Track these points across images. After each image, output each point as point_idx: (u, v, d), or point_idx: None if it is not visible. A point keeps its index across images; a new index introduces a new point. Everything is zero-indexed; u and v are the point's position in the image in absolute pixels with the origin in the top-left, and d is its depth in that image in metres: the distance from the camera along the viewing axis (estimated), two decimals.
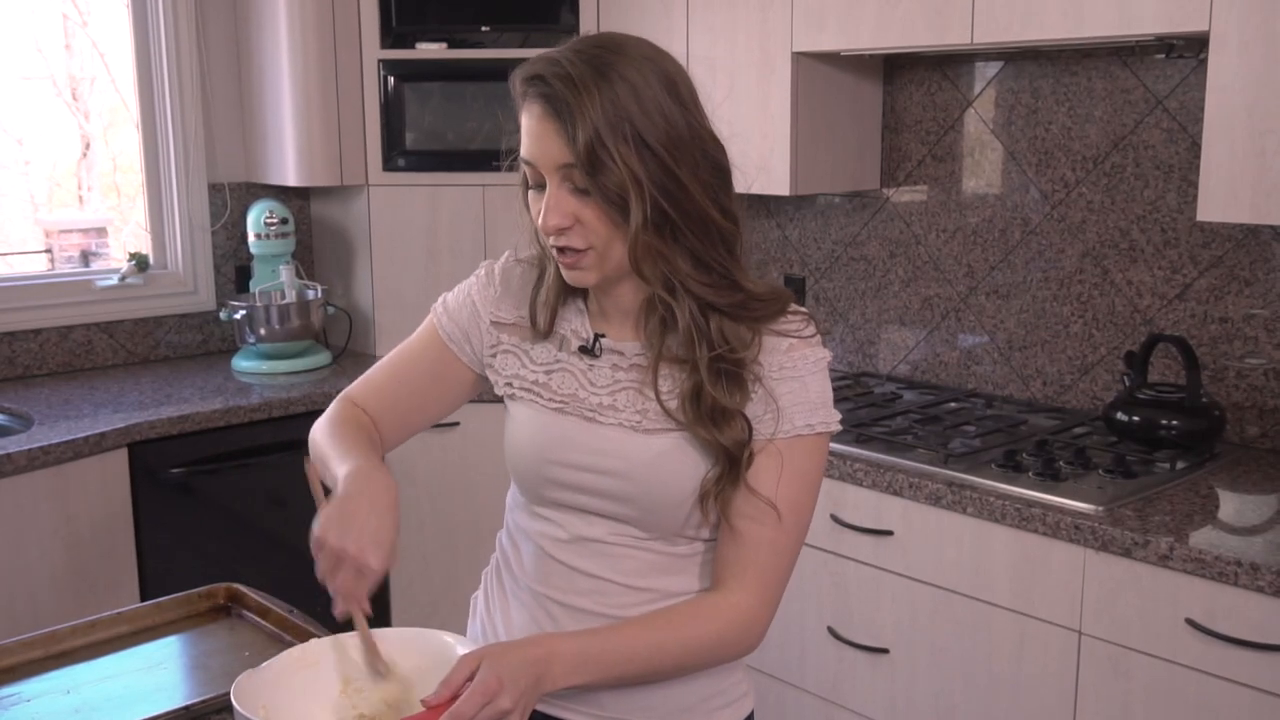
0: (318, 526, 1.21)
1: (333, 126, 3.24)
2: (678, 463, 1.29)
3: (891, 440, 2.46)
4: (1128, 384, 2.43)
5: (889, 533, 2.34)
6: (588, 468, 1.32)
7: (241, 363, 3.27)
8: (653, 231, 1.22)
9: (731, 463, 1.27)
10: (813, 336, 1.32)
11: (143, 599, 2.64)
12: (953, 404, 2.77)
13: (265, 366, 3.24)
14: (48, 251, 3.67)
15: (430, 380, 1.46)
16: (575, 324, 1.37)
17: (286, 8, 3.18)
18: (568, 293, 1.37)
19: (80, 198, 3.83)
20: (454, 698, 1.12)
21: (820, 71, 2.79)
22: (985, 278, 2.85)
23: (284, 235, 3.32)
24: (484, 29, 3.26)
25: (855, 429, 2.52)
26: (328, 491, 1.28)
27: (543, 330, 1.37)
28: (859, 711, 2.45)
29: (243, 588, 1.73)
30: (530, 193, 1.29)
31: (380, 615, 3.18)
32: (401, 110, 3.27)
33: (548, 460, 1.34)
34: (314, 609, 1.61)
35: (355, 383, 1.49)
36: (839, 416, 1.34)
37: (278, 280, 3.29)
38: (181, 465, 2.78)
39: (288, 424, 2.91)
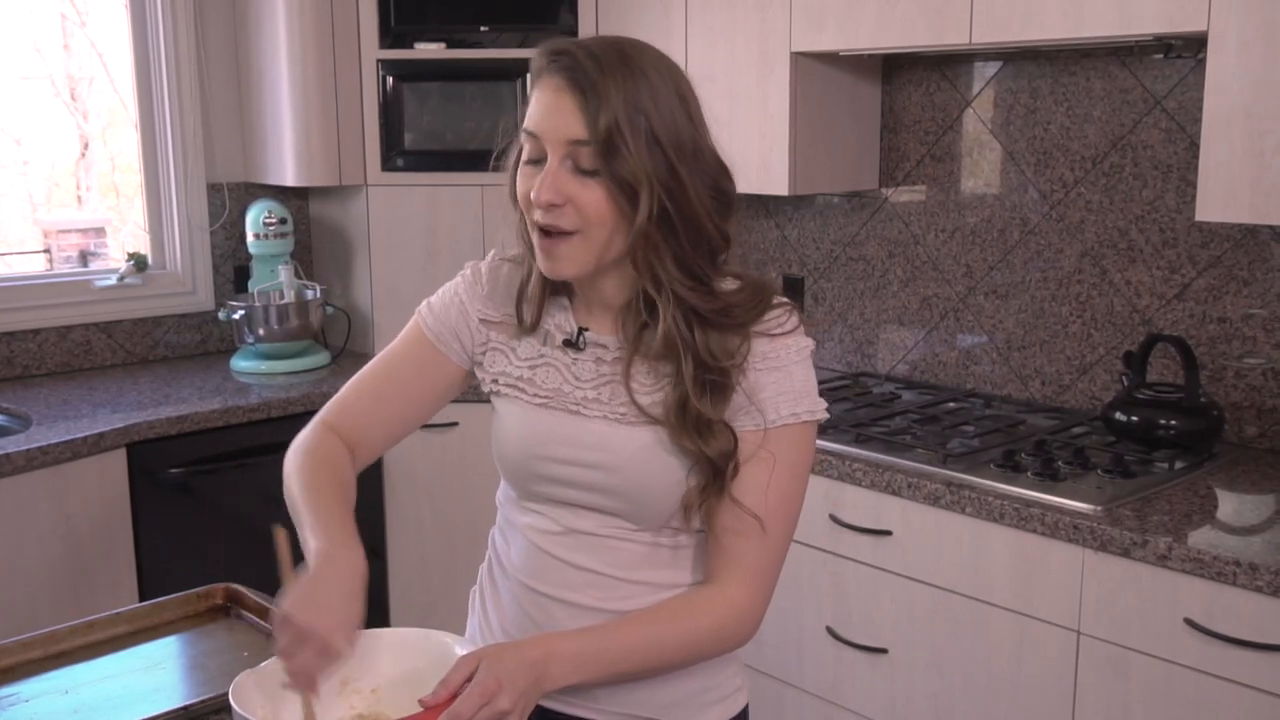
0: (285, 604, 1.17)
1: (331, 126, 3.24)
2: (663, 455, 1.29)
3: (890, 440, 2.46)
4: (1126, 384, 2.43)
5: (888, 533, 2.34)
6: (574, 461, 1.32)
7: (240, 363, 3.27)
8: (654, 228, 1.23)
9: (716, 474, 1.27)
10: (795, 328, 1.32)
11: (141, 599, 2.64)
12: (951, 404, 2.77)
13: (264, 366, 3.24)
14: (46, 251, 3.67)
15: (416, 383, 1.44)
16: (559, 319, 1.38)
17: (285, 7, 3.18)
18: (553, 288, 1.37)
19: (79, 198, 3.83)
20: (452, 698, 1.12)
21: (819, 71, 2.79)
22: (984, 278, 2.85)
23: (283, 235, 3.32)
24: (483, 29, 3.26)
25: (854, 429, 2.52)
26: (297, 559, 1.25)
27: (529, 325, 1.37)
28: (858, 711, 2.45)
29: (241, 588, 1.73)
30: (524, 168, 1.28)
31: (378, 615, 3.18)
32: (400, 110, 3.27)
33: (534, 455, 1.35)
34: None
35: (330, 403, 1.45)
36: (825, 405, 1.34)
37: (276, 280, 3.29)
38: (180, 465, 2.78)
39: (286, 424, 2.90)
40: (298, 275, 3.36)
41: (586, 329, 1.36)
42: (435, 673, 1.16)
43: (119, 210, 3.74)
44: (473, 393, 1.50)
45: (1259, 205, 2.03)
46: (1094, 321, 2.66)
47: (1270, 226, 2.36)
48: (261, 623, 1.66)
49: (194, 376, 3.18)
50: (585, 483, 1.33)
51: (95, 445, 2.60)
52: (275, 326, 3.23)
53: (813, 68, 2.77)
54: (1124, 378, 2.44)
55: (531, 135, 1.25)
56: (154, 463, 2.73)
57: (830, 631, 2.47)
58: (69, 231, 3.78)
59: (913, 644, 2.33)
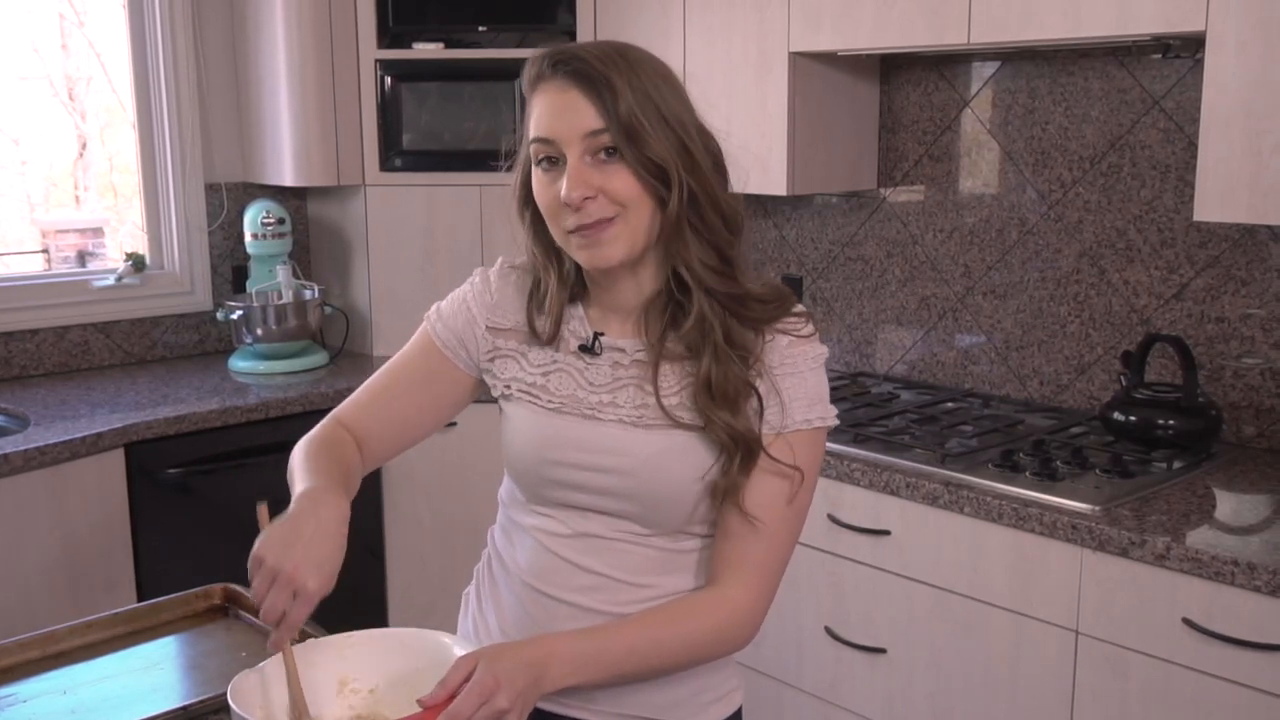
0: (257, 544, 1.19)
1: (330, 126, 3.24)
2: (679, 459, 1.30)
3: (889, 440, 2.46)
4: (1125, 384, 2.43)
5: (886, 533, 2.34)
6: (588, 466, 1.32)
7: (238, 363, 3.27)
8: (689, 209, 1.27)
9: (745, 449, 1.28)
10: (811, 335, 1.34)
11: (140, 599, 2.64)
12: (950, 404, 2.77)
13: (262, 367, 3.23)
14: (44, 251, 3.66)
15: (425, 389, 1.44)
16: (574, 325, 1.38)
17: (283, 7, 3.18)
18: (567, 299, 1.38)
19: (77, 198, 3.83)
20: (450, 698, 1.12)
21: (817, 71, 2.79)
22: (982, 277, 2.85)
23: (281, 235, 3.32)
24: (481, 29, 3.26)
25: (852, 429, 2.52)
26: None
27: (548, 334, 1.37)
28: (856, 711, 2.45)
29: (240, 588, 1.72)
30: (540, 175, 1.28)
31: (377, 614, 3.18)
32: (399, 110, 3.27)
33: (547, 460, 1.35)
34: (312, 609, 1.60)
35: (344, 403, 1.46)
36: (835, 412, 1.36)
37: (275, 280, 3.29)
38: (178, 465, 2.78)
39: (285, 424, 2.91)
40: (296, 275, 3.35)
41: (603, 333, 1.36)
42: (434, 673, 1.16)
43: (117, 210, 3.73)
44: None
45: (1257, 205, 2.04)
46: (1092, 321, 2.66)
47: (1268, 226, 2.36)
48: (260, 623, 1.65)
49: (192, 377, 3.18)
50: (598, 487, 1.33)
51: (93, 445, 2.59)
52: (273, 326, 3.23)
53: (811, 68, 2.77)
54: (1122, 377, 2.44)
55: (544, 141, 1.26)
56: (152, 463, 2.73)
57: (829, 631, 2.47)
58: (67, 231, 3.78)
59: (911, 644, 2.33)
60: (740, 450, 1.28)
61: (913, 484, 2.27)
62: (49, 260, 3.60)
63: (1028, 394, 2.79)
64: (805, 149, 2.80)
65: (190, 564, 2.71)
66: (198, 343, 3.47)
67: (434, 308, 1.46)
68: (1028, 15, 2.28)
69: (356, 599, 3.17)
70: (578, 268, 1.35)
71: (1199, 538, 1.94)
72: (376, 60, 3.24)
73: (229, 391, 3.01)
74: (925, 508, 2.26)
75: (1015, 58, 2.72)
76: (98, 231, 3.81)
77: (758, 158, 2.80)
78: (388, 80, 3.25)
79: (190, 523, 2.81)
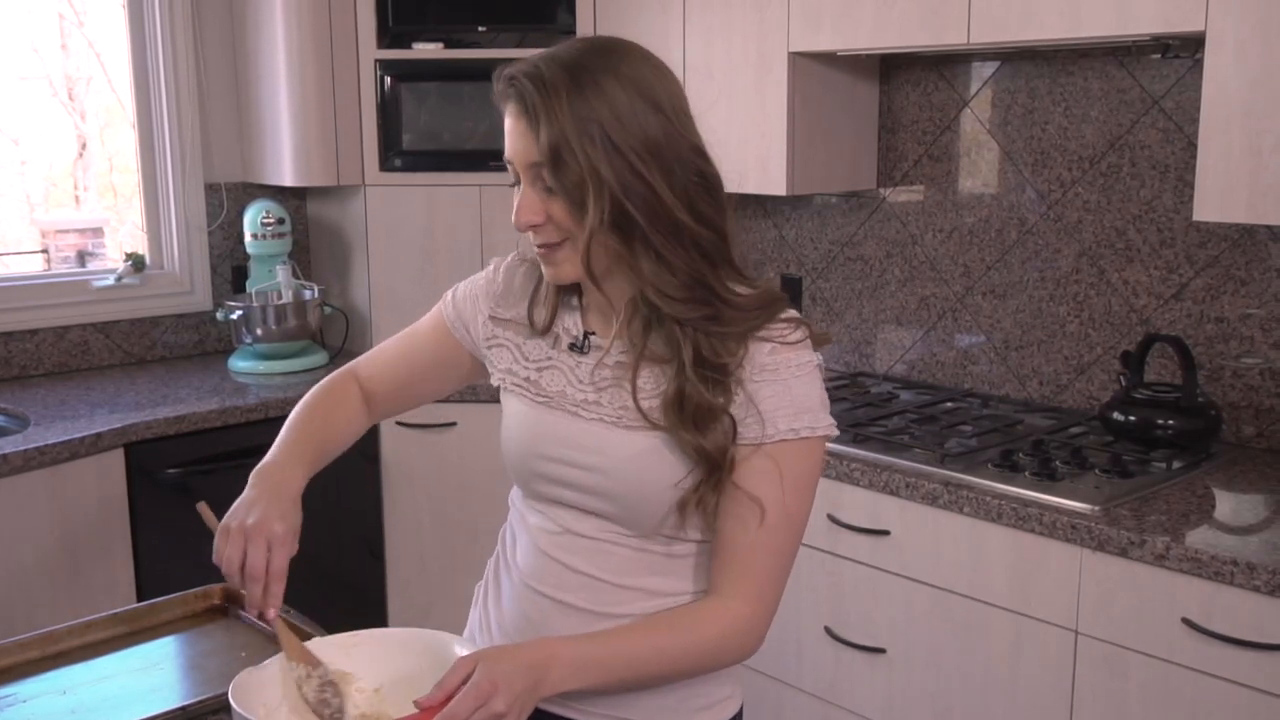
0: (220, 523, 1.30)
1: (329, 126, 3.24)
2: (657, 462, 1.29)
3: (888, 440, 2.46)
4: (1124, 384, 2.43)
5: (885, 533, 2.34)
6: (570, 462, 1.34)
7: (238, 363, 3.27)
8: (614, 234, 1.24)
9: (713, 467, 1.27)
10: (799, 341, 1.31)
11: (139, 599, 2.64)
12: (949, 404, 2.77)
13: (262, 367, 3.23)
14: (44, 251, 3.66)
15: (431, 360, 1.54)
16: (568, 322, 1.40)
17: (283, 7, 3.18)
18: (564, 291, 1.40)
19: (76, 198, 3.83)
20: (447, 699, 1.12)
21: (817, 71, 2.79)
22: (982, 277, 2.85)
23: (280, 235, 3.32)
24: (481, 29, 3.26)
25: (852, 429, 2.52)
26: None
27: (540, 327, 1.40)
28: (856, 711, 2.45)
29: (239, 589, 1.72)
30: (514, 190, 1.32)
31: (377, 614, 3.18)
32: (398, 110, 3.27)
33: (535, 454, 1.37)
34: (311, 609, 1.60)
35: (363, 356, 1.59)
36: (831, 422, 1.32)
37: (274, 280, 3.29)
38: (178, 465, 2.78)
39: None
40: (296, 275, 3.35)
41: (593, 332, 1.37)
42: (438, 673, 1.16)
43: (117, 210, 3.73)
44: (471, 393, 1.52)
45: (1256, 205, 2.04)
46: (1092, 321, 2.66)
47: (1268, 226, 2.36)
48: (260, 623, 1.65)
49: (192, 377, 3.18)
50: (580, 484, 1.34)
51: (93, 445, 2.59)
52: (273, 326, 3.23)
53: (810, 68, 2.77)
54: (1122, 377, 2.44)
55: (508, 161, 1.30)
56: (152, 463, 2.73)
57: (828, 631, 2.47)
58: (67, 231, 3.78)
59: (911, 644, 2.33)
60: (707, 468, 1.28)
61: (912, 484, 2.27)
62: (49, 260, 3.60)
63: (1027, 394, 2.79)
64: (805, 149, 2.80)
65: (190, 564, 2.70)
66: (197, 343, 3.47)
67: (453, 287, 1.53)
68: (1027, 15, 2.28)
69: (356, 599, 3.18)
70: None
71: (1198, 538, 1.94)
72: (376, 60, 3.24)
73: (229, 391, 3.01)
74: (925, 508, 2.26)
75: (1015, 58, 2.73)
76: (97, 231, 3.81)
77: (757, 158, 2.80)
78: (387, 80, 3.25)
79: (190, 523, 2.77)
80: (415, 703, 1.13)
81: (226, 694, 1.18)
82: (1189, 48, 2.34)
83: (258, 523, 1.29)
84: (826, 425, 1.31)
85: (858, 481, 2.36)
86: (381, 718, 1.24)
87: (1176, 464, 2.28)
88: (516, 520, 1.46)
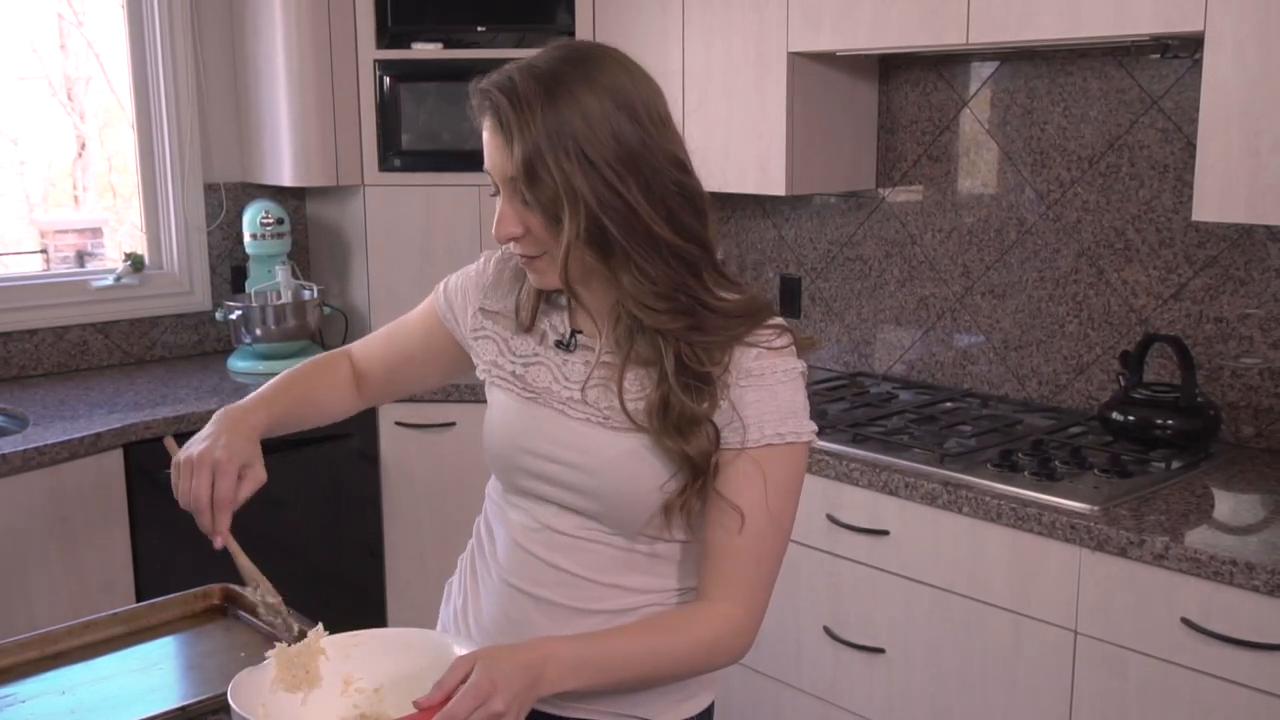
0: (179, 452, 1.35)
1: (328, 126, 3.24)
2: (642, 464, 1.30)
3: (887, 440, 2.46)
4: (1123, 384, 2.43)
5: (885, 533, 2.34)
6: (554, 458, 1.34)
7: (237, 363, 3.27)
8: (591, 247, 1.25)
9: (696, 473, 1.28)
10: (784, 348, 1.31)
11: (138, 599, 2.64)
12: (948, 404, 2.77)
13: (261, 367, 3.23)
14: (43, 252, 3.66)
15: (420, 348, 1.56)
16: (555, 320, 1.41)
17: (282, 7, 3.18)
18: (550, 290, 1.40)
19: (76, 198, 3.82)
20: (446, 699, 1.12)
21: (816, 71, 2.79)
22: (981, 277, 2.85)
23: (280, 235, 3.32)
24: (480, 29, 3.26)
25: (851, 429, 2.52)
26: None
27: (525, 324, 1.41)
28: (855, 711, 2.45)
29: (239, 588, 1.72)
30: (495, 199, 1.33)
31: (376, 613, 3.18)
32: (397, 110, 3.27)
33: (518, 448, 1.38)
34: (310, 609, 1.60)
35: (361, 339, 1.62)
36: (813, 427, 1.33)
37: (273, 280, 3.29)
38: None
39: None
40: (295, 275, 3.35)
41: (580, 331, 1.38)
42: (437, 673, 1.16)
43: (116, 210, 3.73)
44: (470, 393, 1.52)
45: (1255, 205, 2.04)
46: (1091, 321, 2.66)
47: (1267, 226, 2.36)
48: (259, 623, 1.65)
49: (191, 377, 3.18)
50: (563, 481, 1.34)
51: (92, 445, 2.59)
52: (272, 327, 3.23)
53: (810, 68, 2.77)
54: (1121, 377, 2.45)
55: (488, 172, 1.31)
56: (151, 463, 2.73)
57: (828, 631, 2.47)
58: (66, 232, 3.78)
59: (910, 644, 2.33)
60: (690, 472, 1.29)
61: (911, 484, 2.27)
62: (48, 260, 3.60)
63: (1026, 394, 2.79)
64: (804, 149, 2.80)
65: (189, 564, 2.70)
66: (197, 343, 3.47)
67: (447, 277, 1.55)
68: (1026, 15, 2.28)
69: (356, 599, 3.18)
70: None
71: (1197, 537, 1.94)
72: (375, 60, 3.24)
73: (228, 392, 3.01)
74: (924, 507, 2.26)
75: (1014, 58, 2.73)
76: (96, 232, 3.81)
77: (757, 158, 2.80)
78: (386, 80, 3.25)
79: (189, 523, 2.77)
80: (415, 703, 1.13)
81: (226, 694, 1.18)
82: (1188, 48, 2.34)
83: (201, 452, 1.33)
84: (809, 431, 1.33)
85: (857, 481, 2.36)
86: (381, 718, 1.25)
87: (1175, 464, 2.28)
88: (495, 514, 1.46)
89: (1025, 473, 2.24)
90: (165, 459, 2.86)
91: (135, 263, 3.30)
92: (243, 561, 1.38)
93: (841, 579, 2.44)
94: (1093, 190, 2.63)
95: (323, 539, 3.08)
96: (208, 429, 1.38)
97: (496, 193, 1.31)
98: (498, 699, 1.13)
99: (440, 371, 1.58)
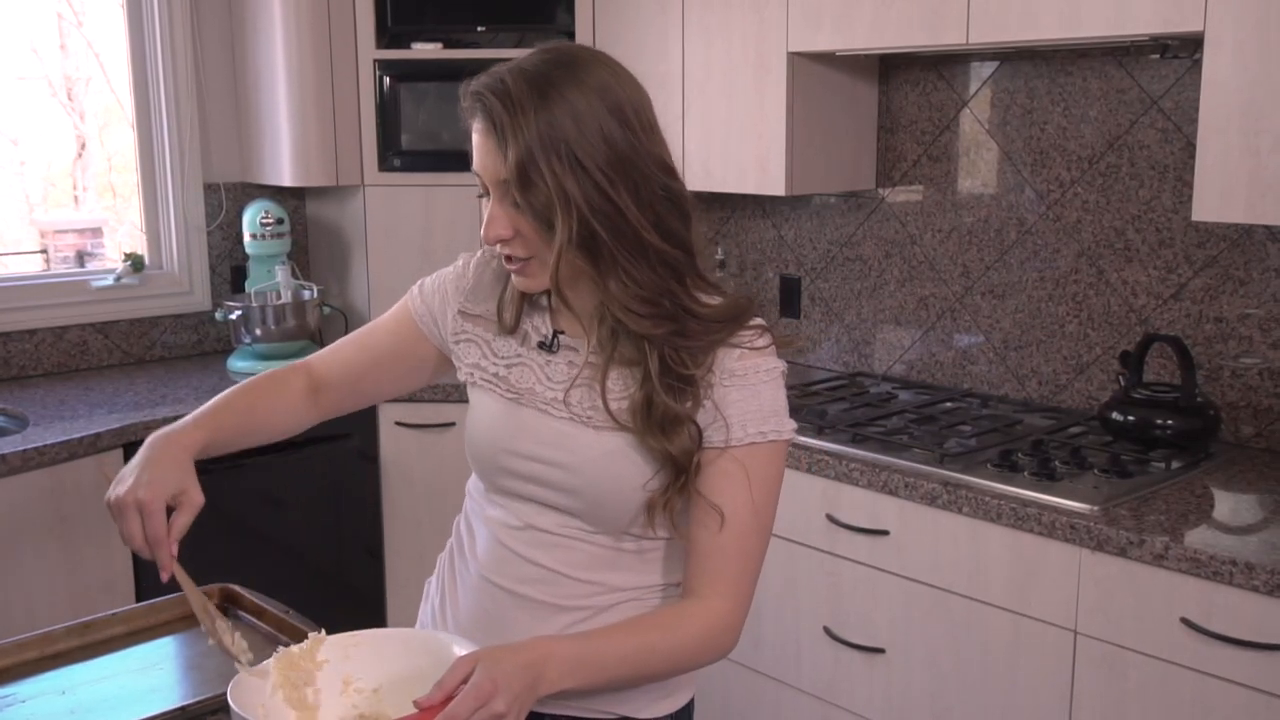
0: (109, 491, 1.29)
1: (328, 126, 3.24)
2: (625, 463, 1.31)
3: (887, 440, 2.46)
4: (1123, 384, 2.43)
5: (885, 532, 2.34)
6: (538, 458, 1.35)
7: (237, 363, 3.27)
8: (582, 252, 1.25)
9: (679, 471, 1.30)
10: (766, 347, 1.33)
11: (138, 599, 2.64)
12: (948, 404, 2.77)
13: (261, 367, 3.23)
14: (43, 252, 3.66)
15: (391, 352, 1.52)
16: (537, 320, 1.41)
17: (282, 7, 3.18)
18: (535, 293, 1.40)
19: (75, 198, 3.82)
20: (447, 700, 1.12)
21: (816, 72, 2.79)
22: (981, 277, 2.85)
23: (279, 235, 3.32)
24: (480, 29, 3.26)
25: (851, 429, 2.52)
26: None
27: (508, 326, 1.41)
28: (855, 711, 2.45)
29: (238, 588, 1.73)
30: (481, 200, 1.33)
31: (375, 613, 3.18)
32: (397, 110, 3.27)
33: (502, 449, 1.38)
34: (310, 609, 1.61)
35: (324, 349, 1.57)
36: (793, 425, 1.35)
37: (273, 280, 3.29)
38: None
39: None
40: (294, 275, 3.35)
41: (562, 332, 1.39)
42: (437, 673, 1.17)
43: (116, 210, 3.73)
44: (467, 394, 1.51)
45: (1255, 205, 2.04)
46: (1091, 321, 2.66)
47: (1266, 226, 2.36)
48: (260, 623, 1.66)
49: (191, 377, 3.18)
50: (547, 480, 1.35)
51: (92, 446, 2.59)
52: (272, 327, 3.23)
53: (809, 68, 2.77)
54: (1121, 377, 2.45)
55: (477, 174, 1.30)
56: None
57: (827, 631, 2.47)
58: (66, 232, 3.78)
59: (910, 644, 2.33)
60: (673, 471, 1.30)
61: (911, 484, 2.27)
62: (48, 260, 3.60)
63: (1026, 394, 2.79)
64: (804, 149, 2.80)
65: (188, 564, 2.71)
66: (196, 343, 3.47)
67: (420, 281, 1.53)
68: (1026, 15, 2.28)
69: (355, 598, 3.18)
70: None
71: (1197, 537, 1.94)
72: (375, 60, 3.24)
73: None
74: (924, 507, 2.26)
75: (1014, 58, 2.73)
76: (96, 232, 3.81)
77: (756, 158, 2.80)
78: (386, 80, 3.25)
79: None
80: (415, 703, 1.13)
81: (226, 694, 1.18)
82: (1188, 48, 2.34)
83: (121, 497, 1.27)
84: (790, 428, 1.34)
85: (857, 481, 2.36)
86: (380, 718, 1.25)
87: (1175, 464, 2.28)
88: (475, 512, 1.47)
89: (1025, 473, 2.24)
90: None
91: (135, 263, 3.30)
92: (193, 596, 1.34)
93: (841, 579, 2.44)
94: (1093, 190, 2.63)
95: (322, 539, 3.08)
96: (136, 458, 1.32)
97: (484, 194, 1.31)
98: (499, 700, 1.13)
99: (410, 378, 1.55)
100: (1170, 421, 2.34)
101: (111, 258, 3.59)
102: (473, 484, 1.49)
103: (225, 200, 3.45)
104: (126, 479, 1.29)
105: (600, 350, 1.33)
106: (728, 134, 2.85)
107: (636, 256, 1.26)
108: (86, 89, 3.74)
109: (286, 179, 3.30)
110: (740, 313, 1.33)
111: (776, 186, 2.79)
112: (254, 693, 1.20)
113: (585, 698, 1.35)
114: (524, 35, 3.31)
